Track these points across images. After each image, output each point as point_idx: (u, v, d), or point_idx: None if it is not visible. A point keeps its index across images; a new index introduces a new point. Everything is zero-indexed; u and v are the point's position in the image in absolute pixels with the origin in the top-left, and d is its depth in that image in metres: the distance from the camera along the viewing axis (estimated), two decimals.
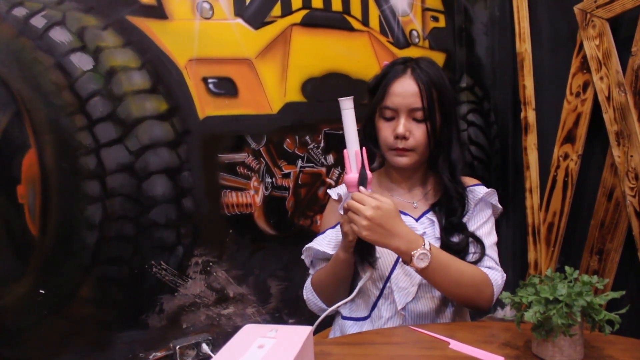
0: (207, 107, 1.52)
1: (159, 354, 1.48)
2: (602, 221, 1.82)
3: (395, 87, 0.97)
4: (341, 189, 1.09)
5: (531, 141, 2.05)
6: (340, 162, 1.81)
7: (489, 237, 1.02)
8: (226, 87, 1.55)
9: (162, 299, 1.48)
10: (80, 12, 1.31)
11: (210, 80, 1.52)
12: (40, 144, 1.27)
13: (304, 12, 1.70)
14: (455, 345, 0.82)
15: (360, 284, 0.96)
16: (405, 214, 1.01)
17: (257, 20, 1.60)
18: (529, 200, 2.06)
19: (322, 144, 1.77)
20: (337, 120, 0.89)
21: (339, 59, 1.79)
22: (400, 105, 0.97)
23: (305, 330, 0.71)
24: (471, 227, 1.02)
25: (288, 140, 1.69)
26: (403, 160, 0.99)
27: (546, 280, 0.77)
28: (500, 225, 2.21)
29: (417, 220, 1.02)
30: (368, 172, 0.89)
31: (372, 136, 1.04)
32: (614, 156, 1.74)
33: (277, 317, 1.71)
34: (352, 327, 1.04)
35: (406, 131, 0.96)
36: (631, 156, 1.69)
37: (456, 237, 1.00)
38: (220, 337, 1.58)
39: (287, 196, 1.71)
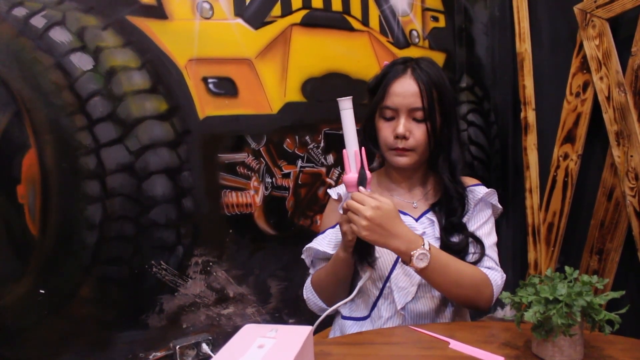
0: (207, 107, 1.52)
1: (159, 354, 1.48)
2: (602, 221, 1.82)
3: (395, 87, 0.97)
4: (341, 189, 1.09)
5: (531, 141, 2.05)
6: (340, 162, 1.81)
7: (489, 237, 1.02)
8: (226, 87, 1.55)
9: (162, 299, 1.48)
10: (80, 12, 1.31)
11: (210, 80, 1.52)
12: (40, 144, 1.27)
13: (304, 12, 1.70)
14: (455, 345, 0.82)
15: (359, 284, 0.96)
16: (405, 213, 1.01)
17: (257, 20, 1.60)
18: (529, 200, 2.06)
19: (322, 144, 1.77)
20: (337, 120, 0.89)
21: (339, 59, 1.79)
22: (400, 105, 0.97)
23: (305, 330, 0.71)
24: (471, 227, 1.02)
25: (288, 140, 1.69)
26: (403, 160, 0.99)
27: (546, 280, 0.77)
28: (500, 225, 2.21)
29: (417, 220, 1.02)
30: (367, 172, 0.89)
31: (372, 136, 1.04)
32: (613, 156, 1.75)
33: (277, 317, 1.71)
34: (352, 327, 1.04)
35: (406, 131, 0.96)
36: (631, 156, 1.69)
37: (456, 237, 1.00)
38: (220, 337, 1.58)
39: (287, 196, 1.71)
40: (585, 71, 1.83)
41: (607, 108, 1.75)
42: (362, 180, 0.89)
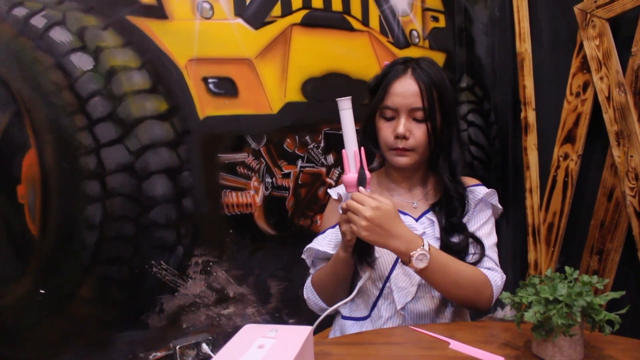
0: (207, 107, 1.52)
1: (159, 354, 1.48)
2: (602, 221, 1.82)
3: (395, 87, 0.97)
4: (341, 189, 1.09)
5: (531, 141, 2.05)
6: (340, 162, 1.81)
7: (489, 237, 1.02)
8: (226, 87, 1.55)
9: (162, 299, 1.48)
10: (81, 12, 1.31)
11: (210, 80, 1.52)
12: (40, 144, 1.27)
13: (304, 12, 1.70)
14: (455, 345, 0.82)
15: (359, 284, 0.96)
16: (405, 213, 1.01)
17: (257, 20, 1.61)
18: (529, 200, 2.06)
19: (322, 144, 1.77)
20: (337, 120, 0.89)
21: (339, 59, 1.79)
22: (400, 105, 0.97)
23: (305, 330, 0.71)
24: (471, 227, 1.02)
25: (288, 140, 1.69)
26: (403, 160, 0.99)
27: (546, 280, 0.77)
28: (500, 225, 2.21)
29: (417, 220, 1.02)
30: (367, 172, 0.89)
31: (372, 136, 1.04)
32: (614, 156, 1.74)
33: (277, 317, 1.71)
34: (352, 327, 1.04)
35: (406, 131, 0.96)
36: (631, 156, 1.69)
37: (456, 238, 1.00)
38: (220, 337, 1.58)
39: (287, 196, 1.71)
40: (585, 71, 1.83)
41: (607, 108, 1.75)
42: (361, 181, 0.89)
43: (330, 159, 1.80)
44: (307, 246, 1.05)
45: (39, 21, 1.25)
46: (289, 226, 1.72)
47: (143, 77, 1.40)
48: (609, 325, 0.72)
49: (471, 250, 0.99)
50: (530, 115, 2.05)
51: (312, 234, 1.10)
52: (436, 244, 0.97)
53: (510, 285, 0.85)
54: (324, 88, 1.75)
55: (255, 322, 1.51)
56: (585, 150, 1.88)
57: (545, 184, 2.00)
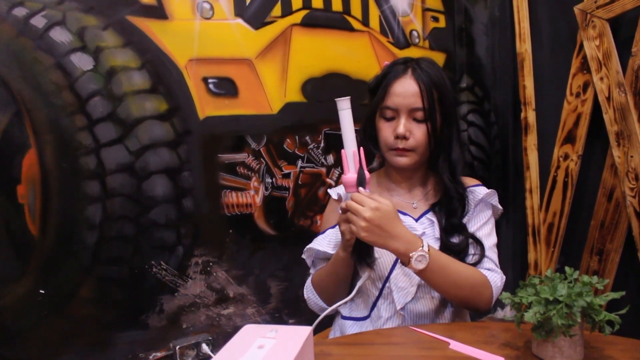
0: (207, 107, 1.52)
1: (159, 354, 1.48)
2: (602, 222, 1.82)
3: (395, 87, 0.97)
4: (341, 189, 1.09)
5: (531, 141, 2.05)
6: (340, 163, 1.81)
7: (489, 238, 1.02)
8: (226, 87, 1.55)
9: (162, 299, 1.48)
10: (81, 12, 1.31)
11: (210, 81, 1.52)
12: (40, 144, 1.27)
13: (304, 13, 1.70)
14: (455, 345, 0.82)
15: (358, 284, 0.96)
16: (404, 214, 1.01)
17: (258, 20, 1.60)
18: (529, 200, 2.06)
19: (322, 144, 1.77)
20: (337, 121, 0.89)
21: (339, 59, 1.79)
22: (400, 105, 0.97)
23: (305, 331, 0.71)
24: (471, 228, 1.01)
25: (288, 140, 1.69)
26: (403, 161, 0.99)
27: (546, 280, 0.77)
28: (500, 225, 2.21)
29: (416, 220, 1.02)
30: (366, 172, 0.89)
31: (372, 136, 1.04)
32: (614, 156, 1.74)
33: (277, 317, 1.71)
34: (352, 327, 1.04)
35: (406, 131, 0.96)
36: (631, 157, 1.69)
37: (456, 238, 1.00)
38: (220, 337, 1.58)
39: (287, 196, 1.71)
40: (585, 71, 1.83)
41: (607, 108, 1.75)
42: (361, 181, 0.89)
43: (330, 159, 1.80)
44: (307, 246, 1.05)
45: (39, 21, 1.25)
46: (289, 226, 1.72)
47: (143, 77, 1.40)
48: (609, 326, 0.72)
49: (471, 250, 0.99)
50: (530, 115, 2.05)
51: (312, 234, 1.10)
52: (436, 245, 0.97)
53: (510, 286, 0.85)
54: (324, 88, 1.75)
55: (255, 323, 1.50)
56: (585, 150, 1.88)
57: (545, 184, 2.00)
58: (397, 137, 0.97)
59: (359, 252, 0.93)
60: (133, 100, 1.39)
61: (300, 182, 1.73)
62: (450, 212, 1.01)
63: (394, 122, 0.98)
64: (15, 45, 1.23)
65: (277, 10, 1.64)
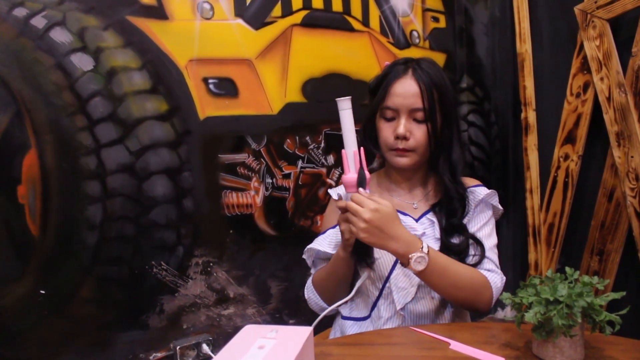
0: (207, 107, 1.52)
1: (159, 355, 1.48)
2: (603, 222, 1.81)
3: (396, 88, 0.97)
4: (342, 189, 1.09)
5: (531, 142, 2.05)
6: (340, 163, 1.81)
7: (489, 239, 1.01)
8: (226, 88, 1.55)
9: (163, 300, 1.48)
10: (81, 13, 1.31)
11: (210, 81, 1.52)
12: (40, 144, 1.27)
13: (304, 13, 1.70)
14: (456, 345, 0.82)
15: (357, 284, 0.96)
16: (405, 214, 1.01)
17: (258, 20, 1.61)
18: (530, 200, 2.06)
19: (322, 145, 1.77)
20: (338, 121, 0.89)
21: (340, 60, 1.79)
22: (401, 105, 0.97)
23: (306, 331, 0.71)
24: (471, 228, 1.01)
25: (288, 140, 1.69)
26: (403, 161, 0.99)
27: (547, 281, 0.77)
28: (500, 225, 2.20)
29: (417, 220, 1.02)
30: (366, 172, 0.89)
31: (372, 136, 1.04)
32: (614, 157, 1.74)
33: (278, 317, 1.71)
34: (352, 327, 1.04)
35: (407, 131, 0.96)
36: (631, 157, 1.69)
37: (456, 239, 1.00)
38: (221, 337, 1.58)
39: (288, 197, 1.71)
40: (585, 72, 1.83)
41: (607, 109, 1.75)
42: (361, 181, 0.89)
43: (331, 159, 1.80)
44: (308, 246, 1.05)
45: (39, 21, 1.25)
46: (289, 227, 1.71)
47: (143, 77, 1.40)
48: (609, 326, 0.72)
49: (471, 251, 0.99)
50: (530, 115, 2.05)
51: (313, 235, 1.10)
52: (436, 245, 0.97)
53: (511, 286, 0.85)
54: (324, 88, 1.75)
55: (256, 323, 1.51)
56: (585, 150, 1.88)
57: (545, 185, 2.00)
58: (398, 137, 0.97)
59: (359, 252, 0.93)
60: (133, 100, 1.39)
61: (300, 183, 1.73)
62: (450, 212, 1.01)
63: (394, 122, 0.98)
64: (16, 46, 1.23)
65: (277, 10, 1.64)
